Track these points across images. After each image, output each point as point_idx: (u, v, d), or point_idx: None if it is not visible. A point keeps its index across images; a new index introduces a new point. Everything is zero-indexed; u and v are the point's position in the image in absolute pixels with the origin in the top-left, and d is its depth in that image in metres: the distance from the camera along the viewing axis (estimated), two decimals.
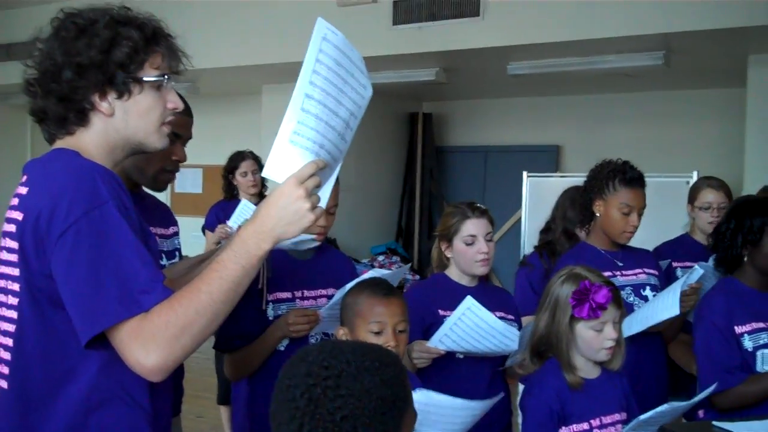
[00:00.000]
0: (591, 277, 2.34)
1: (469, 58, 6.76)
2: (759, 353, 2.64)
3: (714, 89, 7.28)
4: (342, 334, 2.26)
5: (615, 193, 3.09)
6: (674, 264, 3.63)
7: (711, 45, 5.99)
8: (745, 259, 2.71)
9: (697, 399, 2.37)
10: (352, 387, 1.32)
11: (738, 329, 2.66)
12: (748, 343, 2.64)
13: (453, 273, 2.94)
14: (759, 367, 2.63)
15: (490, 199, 8.07)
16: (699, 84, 7.26)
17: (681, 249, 3.82)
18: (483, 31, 6.26)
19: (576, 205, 3.55)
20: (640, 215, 3.12)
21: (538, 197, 6.64)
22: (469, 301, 2.59)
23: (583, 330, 2.33)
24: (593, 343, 2.32)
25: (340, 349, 1.39)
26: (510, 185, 7.51)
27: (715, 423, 1.44)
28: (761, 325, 2.66)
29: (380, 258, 8.15)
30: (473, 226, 2.85)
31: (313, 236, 2.51)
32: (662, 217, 5.12)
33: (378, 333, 2.21)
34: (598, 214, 3.15)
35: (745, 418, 1.45)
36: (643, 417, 2.19)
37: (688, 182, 6.34)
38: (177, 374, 2.53)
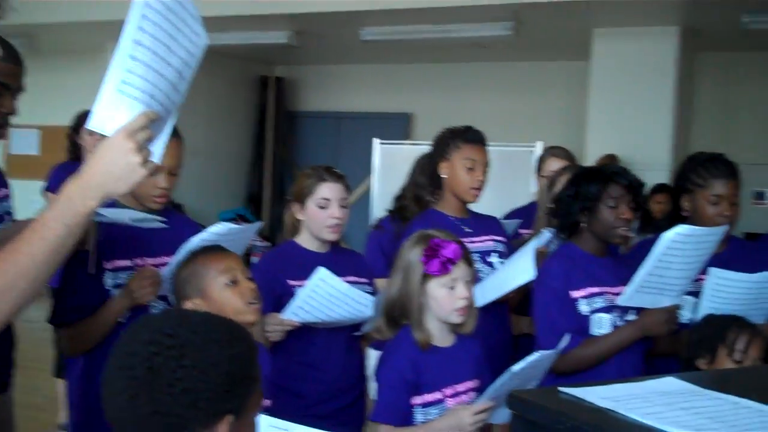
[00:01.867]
0: (440, 236, 2.34)
1: (322, 22, 6.67)
2: (594, 317, 2.71)
3: (560, 61, 7.49)
4: (192, 308, 2.16)
5: (458, 150, 3.15)
6: (522, 231, 3.70)
7: (558, 17, 6.14)
8: (583, 225, 2.77)
9: (549, 353, 2.39)
10: (197, 358, 1.23)
11: (574, 294, 2.71)
12: (584, 308, 2.70)
13: (304, 239, 2.89)
14: (594, 331, 2.70)
15: (342, 165, 7.92)
16: (546, 56, 7.45)
17: (529, 216, 3.91)
18: None
19: (425, 172, 3.59)
20: (485, 172, 3.18)
21: (389, 164, 6.66)
22: (321, 272, 2.55)
23: (436, 289, 2.32)
24: (446, 302, 2.32)
25: (188, 317, 1.30)
26: (362, 152, 7.50)
27: (561, 389, 1.44)
28: (597, 289, 2.72)
29: None
30: (328, 190, 2.81)
31: (157, 218, 2.39)
32: (507, 186, 5.24)
33: (233, 283, 2.16)
34: (444, 176, 3.17)
35: (587, 383, 1.46)
36: (515, 368, 2.20)
37: (532, 152, 6.53)
38: (4, 345, 2.37)
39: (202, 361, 1.23)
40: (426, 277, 2.32)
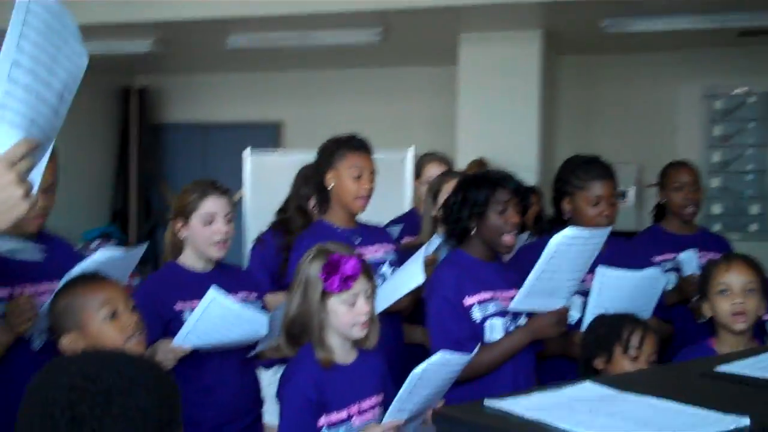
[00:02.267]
0: (340, 250, 2.29)
1: (186, 30, 6.48)
2: (487, 323, 2.73)
3: (429, 67, 7.55)
4: (69, 342, 2.04)
5: (343, 159, 3.11)
6: (405, 238, 3.69)
7: (425, 23, 6.19)
8: (473, 231, 2.78)
9: (455, 357, 2.36)
10: (126, 405, 1.12)
11: (467, 300, 2.72)
12: (477, 314, 2.72)
13: (187, 258, 2.78)
14: (488, 337, 2.72)
15: (211, 177, 7.81)
16: (415, 61, 7.49)
17: (409, 225, 3.91)
18: (200, 2, 6.01)
19: (310, 182, 3.55)
20: (371, 179, 3.16)
21: (260, 175, 6.55)
22: (212, 293, 2.45)
23: (336, 305, 2.27)
24: (346, 318, 2.27)
25: (110, 359, 1.19)
26: (231, 163, 7.33)
27: (485, 403, 1.41)
28: (488, 295, 2.75)
29: (94, 244, 7.65)
30: (213, 204, 2.72)
31: (35, 246, 2.22)
32: (380, 193, 5.20)
33: (114, 315, 2.05)
34: (331, 185, 3.12)
35: (510, 394, 1.44)
36: (417, 371, 2.15)
37: (403, 158, 6.55)
38: None
39: (130, 408, 1.13)
40: (326, 293, 2.26)
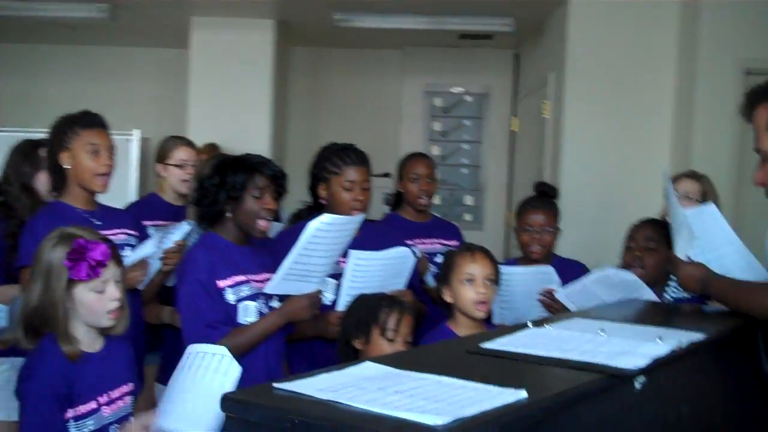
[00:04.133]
0: (85, 235, 2.15)
1: None
2: (241, 305, 2.71)
3: (159, 48, 7.31)
4: None
5: (77, 137, 2.97)
6: (146, 223, 3.55)
7: (155, 2, 5.99)
8: (228, 214, 2.74)
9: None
10: None
11: (221, 283, 2.69)
12: (230, 297, 2.69)
13: None
14: (241, 319, 2.71)
15: None
16: (144, 42, 7.22)
17: (150, 208, 3.78)
18: None
19: (30, 159, 3.32)
20: (110, 156, 3.04)
21: None
22: None
23: (84, 293, 2.13)
24: (96, 306, 2.14)
25: None
26: None
27: (275, 384, 1.40)
28: (242, 278, 2.73)
29: None
30: None
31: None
32: None
33: None
34: (68, 167, 2.94)
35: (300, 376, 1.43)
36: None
37: (128, 139, 6.31)
38: None
39: None
40: (72, 281, 2.11)
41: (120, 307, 2.21)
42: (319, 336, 2.90)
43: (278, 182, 2.77)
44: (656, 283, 2.92)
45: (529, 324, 1.94)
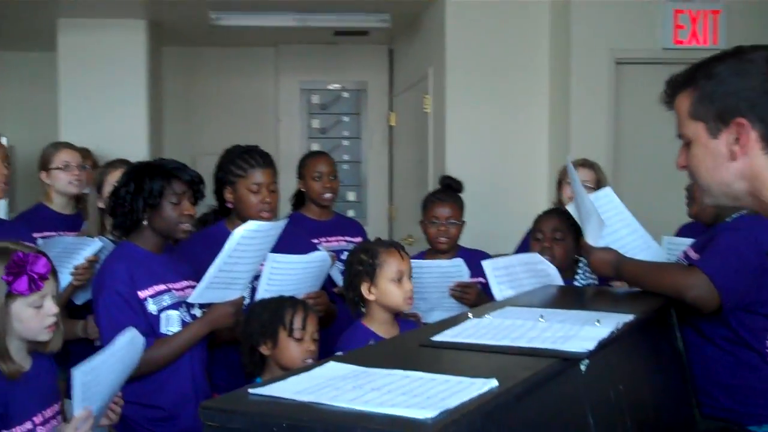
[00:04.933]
0: (21, 248, 2.07)
1: None
2: (163, 315, 2.68)
3: (26, 51, 7.00)
4: None
5: None
6: (34, 235, 3.43)
7: (21, 6, 5.74)
8: (144, 222, 2.69)
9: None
10: None
11: (141, 294, 2.64)
12: (152, 307, 2.65)
13: None
14: (164, 329, 2.67)
15: None
16: (10, 45, 6.90)
17: (38, 219, 3.66)
18: None
19: None
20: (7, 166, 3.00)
21: None
22: None
23: (22, 308, 2.06)
24: (34, 322, 2.07)
25: None
26: None
27: (250, 390, 1.40)
28: (162, 287, 2.69)
29: None
30: None
31: None
32: None
33: None
34: None
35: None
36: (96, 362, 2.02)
37: None
38: None
39: None
40: (10, 297, 2.03)
41: (56, 323, 2.14)
42: (233, 340, 2.86)
43: (195, 187, 2.73)
44: (565, 271, 3.04)
45: (470, 315, 2.00)
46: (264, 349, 2.65)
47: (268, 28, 6.30)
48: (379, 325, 2.74)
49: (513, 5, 5.41)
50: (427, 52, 6.03)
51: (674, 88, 1.58)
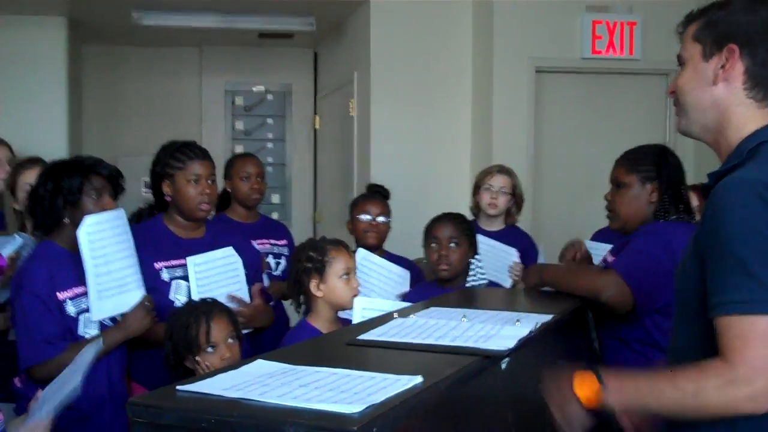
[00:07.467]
0: None
1: None
2: (82, 317, 2.64)
3: None
4: None
5: None
6: None
7: None
8: (66, 220, 2.65)
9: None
10: None
11: (61, 295, 2.60)
12: (71, 309, 2.62)
13: None
14: (81, 331, 2.64)
15: None
16: None
17: None
18: None
19: None
20: None
21: None
22: None
23: None
24: None
25: None
26: None
27: (178, 387, 1.41)
28: (82, 289, 2.65)
29: None
30: None
31: None
32: None
33: None
34: None
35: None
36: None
37: None
38: None
39: None
40: None
41: None
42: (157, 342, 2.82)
43: (115, 182, 2.71)
44: (458, 275, 3.11)
45: (396, 315, 2.04)
46: (188, 363, 2.58)
47: (192, 28, 6.26)
48: (324, 323, 2.73)
49: (437, 11, 5.50)
50: (352, 55, 6.07)
51: (690, 18, 1.69)
